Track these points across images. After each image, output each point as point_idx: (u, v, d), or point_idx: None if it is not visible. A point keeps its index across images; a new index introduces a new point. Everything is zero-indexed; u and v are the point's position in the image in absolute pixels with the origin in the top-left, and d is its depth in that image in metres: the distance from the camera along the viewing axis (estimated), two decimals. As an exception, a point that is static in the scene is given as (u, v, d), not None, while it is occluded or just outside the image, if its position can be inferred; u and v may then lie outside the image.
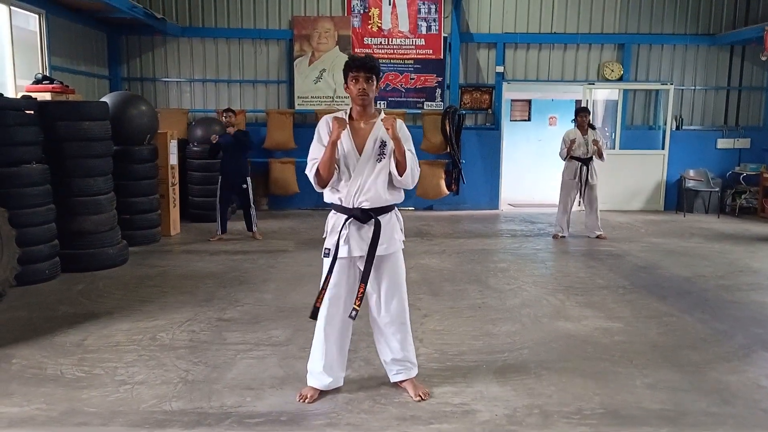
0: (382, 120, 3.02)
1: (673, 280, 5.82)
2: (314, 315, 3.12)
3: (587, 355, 3.84)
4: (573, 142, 7.65)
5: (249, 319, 4.47)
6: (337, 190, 3.07)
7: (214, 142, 7.41)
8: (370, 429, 2.88)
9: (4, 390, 3.25)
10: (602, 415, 3.03)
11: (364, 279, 3.02)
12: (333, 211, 3.15)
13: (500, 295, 5.20)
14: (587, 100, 10.42)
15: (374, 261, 3.03)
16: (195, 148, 8.96)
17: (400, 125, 3.06)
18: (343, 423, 2.94)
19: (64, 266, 5.69)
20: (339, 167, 3.03)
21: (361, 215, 3.03)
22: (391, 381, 3.28)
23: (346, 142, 3.02)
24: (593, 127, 7.83)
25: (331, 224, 3.13)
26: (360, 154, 3.02)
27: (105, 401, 3.13)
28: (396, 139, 2.95)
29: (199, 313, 4.59)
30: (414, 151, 3.10)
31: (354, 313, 3.04)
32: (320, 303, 3.09)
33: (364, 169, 3.01)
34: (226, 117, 7.54)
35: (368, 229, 3.05)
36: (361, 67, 2.99)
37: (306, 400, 3.13)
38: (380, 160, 3.03)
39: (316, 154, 3.06)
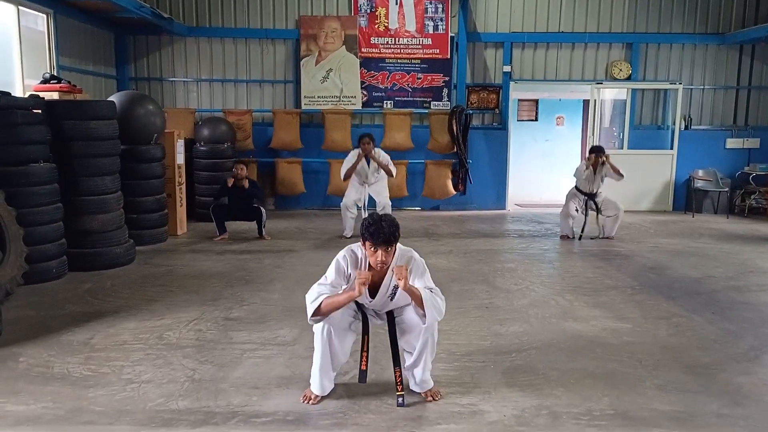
0: (393, 270, 2.89)
1: (682, 280, 5.77)
2: (362, 378, 3.12)
3: (596, 356, 3.81)
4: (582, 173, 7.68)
5: (255, 319, 4.46)
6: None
7: (229, 185, 7.53)
8: (378, 429, 2.86)
9: (11, 388, 3.26)
10: (612, 417, 3.01)
11: (396, 363, 3.09)
12: None
13: (508, 296, 5.17)
14: (595, 100, 10.37)
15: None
16: (202, 148, 8.98)
17: (410, 259, 3.02)
18: (350, 423, 2.92)
19: (72, 265, 5.71)
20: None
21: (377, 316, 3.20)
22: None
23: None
24: (603, 164, 7.67)
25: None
26: (371, 299, 3.06)
27: (112, 400, 3.13)
28: (410, 292, 2.86)
29: (205, 313, 4.59)
30: (430, 281, 3.04)
31: (401, 399, 3.06)
32: (365, 365, 3.11)
33: (377, 305, 3.12)
34: (239, 170, 7.55)
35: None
36: (381, 242, 2.87)
37: (310, 402, 3.12)
38: (392, 297, 3.05)
39: (327, 283, 3.01)
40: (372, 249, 2.90)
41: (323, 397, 3.17)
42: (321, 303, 2.91)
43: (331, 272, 3.04)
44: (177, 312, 4.59)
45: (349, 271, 3.01)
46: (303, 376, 3.41)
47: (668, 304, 4.96)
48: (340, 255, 3.05)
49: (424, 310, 2.88)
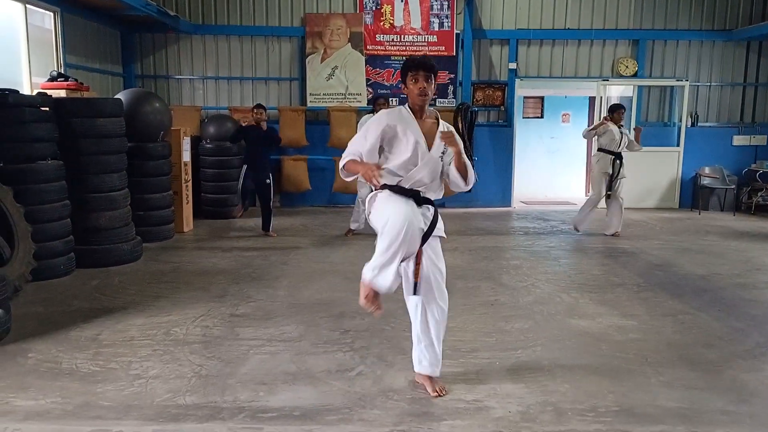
0: (441, 135, 3.05)
1: (688, 278, 5.76)
2: (416, 291, 3.11)
3: (601, 353, 3.81)
4: (603, 125, 7.68)
5: (261, 315, 4.49)
6: (398, 175, 3.05)
7: (244, 124, 7.59)
8: (383, 425, 2.88)
9: (20, 383, 3.29)
10: (617, 413, 3.01)
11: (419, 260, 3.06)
12: (384, 190, 3.06)
13: (513, 293, 5.17)
14: (601, 97, 10.33)
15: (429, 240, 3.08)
16: (208, 145, 9.01)
17: (453, 132, 3.15)
18: (355, 419, 2.93)
19: (79, 262, 5.74)
20: (407, 159, 3.04)
21: (419, 199, 3.07)
22: (416, 371, 3.27)
23: (416, 134, 3.04)
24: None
25: (382, 197, 3.05)
26: (429, 150, 3.07)
27: (120, 395, 3.16)
28: (459, 154, 3.06)
29: (212, 309, 4.61)
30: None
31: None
32: (419, 277, 3.08)
33: (429, 164, 3.07)
34: (257, 113, 7.54)
35: (424, 211, 3.08)
36: (420, 66, 3.02)
37: (374, 309, 2.95)
38: (441, 158, 3.11)
39: (358, 147, 3.05)
40: (413, 80, 3.02)
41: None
42: (346, 165, 3.07)
43: (358, 137, 3.10)
44: (184, 308, 4.62)
45: (391, 122, 3.02)
46: (309, 372, 3.43)
47: (674, 302, 4.95)
48: (371, 119, 3.15)
49: (467, 172, 3.12)
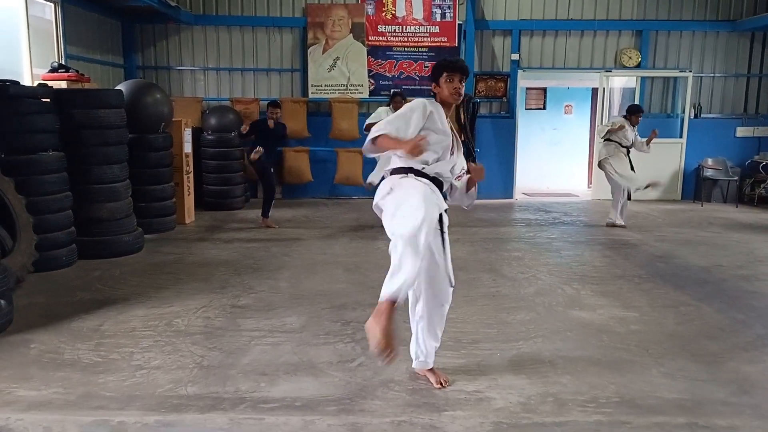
0: (472, 168, 3.24)
1: (690, 269, 5.75)
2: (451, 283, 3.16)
3: (603, 344, 3.81)
4: (621, 128, 7.74)
5: (263, 306, 4.49)
6: (426, 162, 3.04)
7: (252, 123, 7.80)
8: (384, 415, 2.88)
9: (22, 374, 3.30)
10: (618, 404, 3.01)
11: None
12: (407, 174, 3.03)
13: (514, 284, 5.17)
14: (604, 88, 10.29)
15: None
16: (209, 137, 9.00)
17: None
18: (356, 409, 2.94)
19: (81, 253, 5.75)
20: (432, 147, 3.04)
21: (439, 186, 3.09)
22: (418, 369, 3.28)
23: (445, 129, 3.09)
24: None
25: (399, 180, 3.03)
26: (451, 154, 3.14)
27: (121, 386, 3.16)
28: (473, 183, 3.30)
29: (213, 300, 4.62)
30: None
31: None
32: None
33: (451, 159, 3.15)
34: (272, 111, 7.56)
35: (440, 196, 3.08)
36: (457, 68, 3.10)
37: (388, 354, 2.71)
38: (453, 171, 3.21)
39: (399, 128, 2.99)
40: (449, 79, 3.08)
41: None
42: (378, 137, 2.99)
43: (395, 117, 3.05)
44: (185, 299, 4.63)
45: (433, 113, 3.04)
46: (311, 363, 3.44)
47: (676, 293, 4.94)
48: (413, 106, 3.06)
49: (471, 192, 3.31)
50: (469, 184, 3.28)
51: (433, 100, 3.16)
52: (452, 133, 3.16)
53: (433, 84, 3.16)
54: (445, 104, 3.15)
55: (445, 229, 3.14)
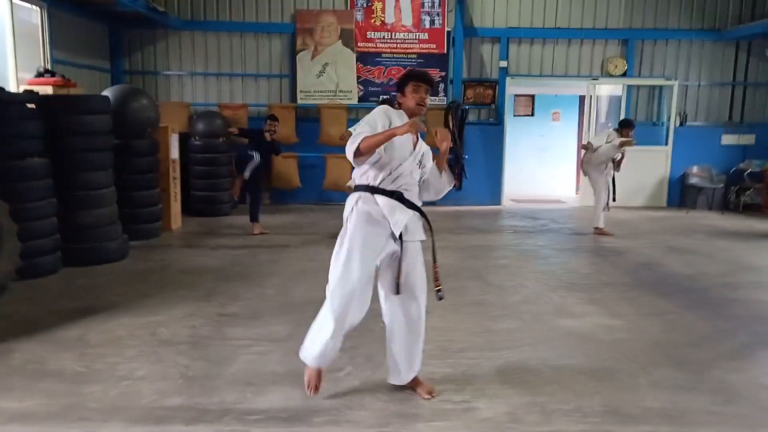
0: (437, 135, 3.08)
1: (675, 277, 5.80)
2: (440, 296, 3.13)
3: (588, 353, 3.83)
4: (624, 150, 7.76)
5: (250, 315, 4.47)
6: (384, 172, 3.05)
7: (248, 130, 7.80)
8: (371, 426, 2.88)
9: (4, 384, 3.25)
10: (603, 413, 3.02)
11: (435, 259, 3.15)
12: (362, 193, 3.09)
13: (501, 292, 5.18)
14: (591, 96, 10.37)
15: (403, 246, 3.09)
16: (196, 142, 8.96)
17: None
18: (343, 420, 2.93)
19: (66, 260, 5.70)
20: (389, 155, 3.03)
21: (402, 200, 3.08)
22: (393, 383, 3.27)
23: (405, 138, 3.05)
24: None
25: (361, 207, 3.06)
26: (413, 150, 3.12)
27: (106, 396, 3.13)
28: (444, 154, 3.15)
29: (199, 308, 4.59)
30: None
31: (441, 293, 3.12)
32: (439, 284, 3.12)
33: (410, 167, 3.11)
34: (271, 125, 7.50)
35: (407, 212, 3.07)
36: (424, 79, 3.13)
37: (317, 390, 3.12)
38: (420, 166, 3.17)
39: (372, 128, 3.00)
40: (414, 89, 3.10)
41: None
42: (360, 142, 2.92)
43: (363, 123, 3.06)
44: (171, 308, 4.59)
45: (392, 118, 3.06)
46: (298, 372, 3.41)
47: (661, 301, 4.98)
48: (374, 112, 3.11)
49: (445, 174, 3.21)
50: (439, 165, 3.22)
51: (396, 108, 3.15)
52: (414, 142, 3.12)
53: (399, 93, 3.15)
54: (409, 115, 3.11)
55: (413, 238, 3.11)
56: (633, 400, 3.18)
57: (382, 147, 2.97)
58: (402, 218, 3.03)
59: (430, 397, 3.15)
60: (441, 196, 3.34)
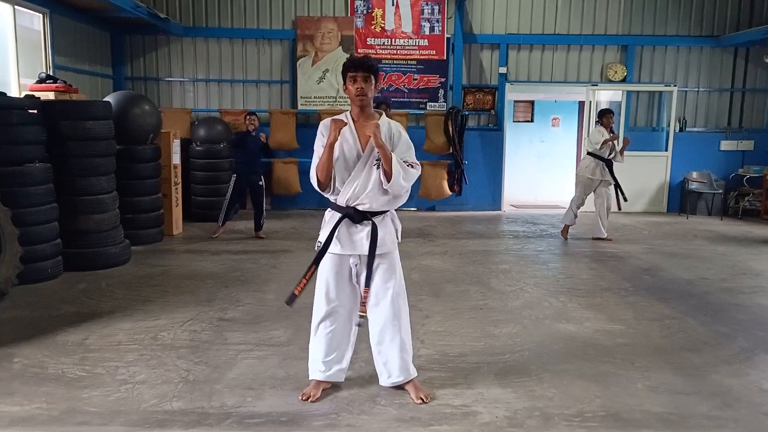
0: (368, 130, 2.93)
1: (675, 282, 5.80)
2: (290, 301, 3.12)
3: (589, 358, 3.83)
4: (612, 144, 7.67)
5: (250, 319, 4.48)
6: (337, 189, 3.06)
7: (242, 130, 7.76)
8: (370, 430, 2.88)
9: (5, 389, 3.26)
10: (603, 418, 3.03)
11: (368, 283, 3.05)
12: (329, 209, 3.17)
13: (502, 297, 5.19)
14: (590, 102, 10.41)
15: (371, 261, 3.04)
16: (198, 148, 8.98)
17: (397, 131, 3.07)
18: (342, 424, 2.94)
19: (67, 265, 5.70)
20: (338, 167, 3.03)
21: (355, 215, 3.04)
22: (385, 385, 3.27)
23: (349, 141, 3.03)
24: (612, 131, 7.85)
25: (326, 219, 3.17)
26: (362, 153, 3.02)
27: (106, 401, 3.14)
28: (380, 147, 2.91)
29: (200, 313, 4.60)
30: (412, 157, 3.07)
31: (360, 320, 3.11)
32: (299, 291, 3.11)
33: (362, 171, 3.02)
34: (251, 121, 7.62)
35: (362, 229, 3.05)
36: (359, 66, 2.98)
37: (309, 399, 3.14)
38: (378, 166, 2.99)
39: (315, 156, 3.09)
40: (352, 80, 2.98)
41: (323, 390, 3.21)
42: (317, 174, 2.99)
43: (317, 145, 3.07)
44: (172, 312, 4.60)
45: (326, 132, 3.02)
46: (298, 377, 3.43)
47: (661, 306, 4.99)
48: (318, 131, 3.10)
49: (391, 172, 2.91)
50: (383, 161, 2.94)
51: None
52: (358, 139, 3.02)
53: (344, 87, 3.06)
54: (355, 111, 3.05)
55: (383, 252, 3.06)
56: (633, 404, 3.18)
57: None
58: (357, 239, 3.05)
59: (421, 401, 3.13)
60: (396, 192, 3.03)
